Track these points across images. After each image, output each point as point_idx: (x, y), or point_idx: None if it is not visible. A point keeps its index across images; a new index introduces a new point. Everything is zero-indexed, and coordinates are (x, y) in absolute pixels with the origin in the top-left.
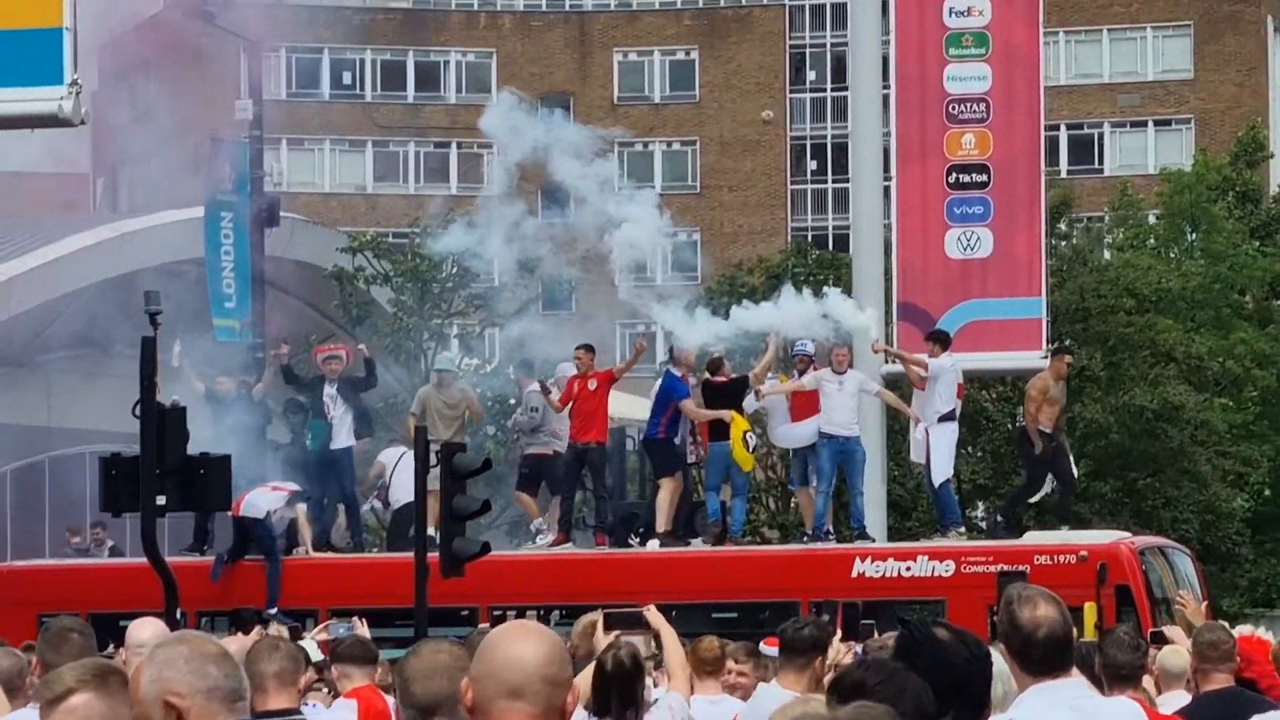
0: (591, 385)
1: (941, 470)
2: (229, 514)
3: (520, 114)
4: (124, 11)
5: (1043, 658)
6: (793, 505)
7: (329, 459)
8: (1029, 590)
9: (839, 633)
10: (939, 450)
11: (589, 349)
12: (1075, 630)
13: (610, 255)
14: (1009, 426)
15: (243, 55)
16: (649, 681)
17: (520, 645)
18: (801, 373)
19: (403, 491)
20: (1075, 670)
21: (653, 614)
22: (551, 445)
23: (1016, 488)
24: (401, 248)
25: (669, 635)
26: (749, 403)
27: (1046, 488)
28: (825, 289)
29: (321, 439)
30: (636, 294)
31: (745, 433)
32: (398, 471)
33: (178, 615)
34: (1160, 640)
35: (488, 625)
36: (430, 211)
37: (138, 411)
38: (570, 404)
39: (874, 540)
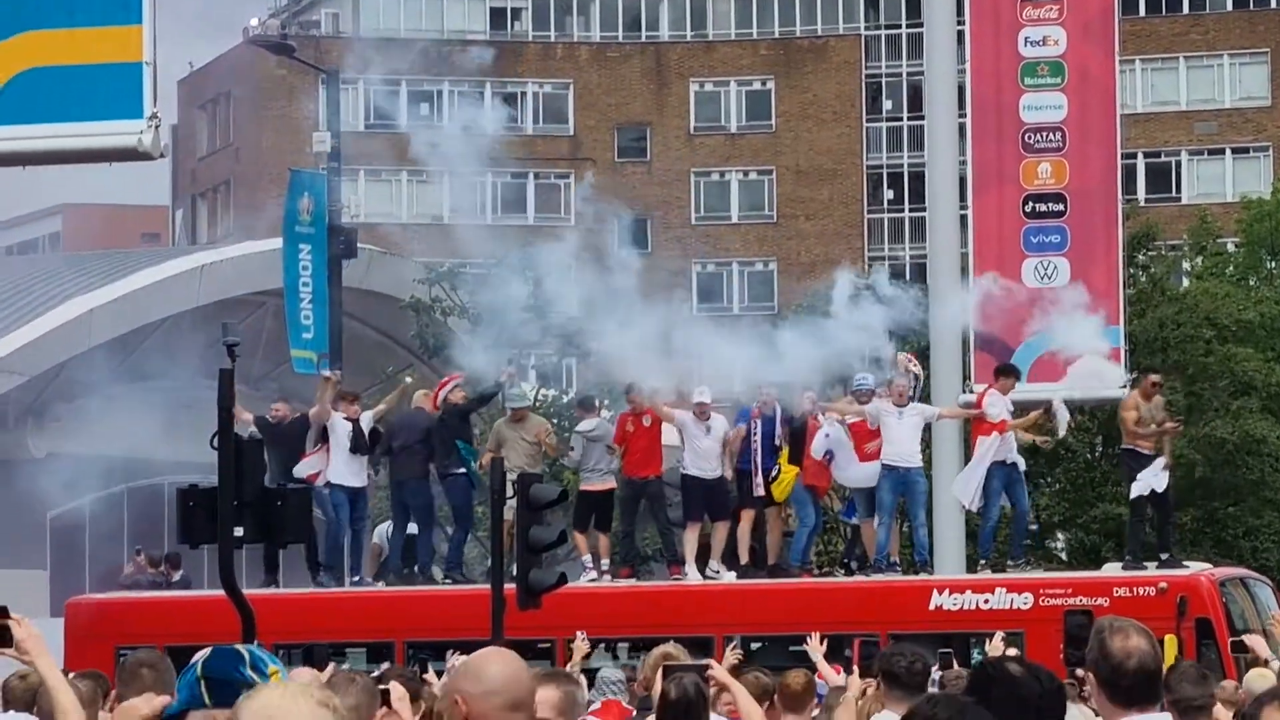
0: (646, 421)
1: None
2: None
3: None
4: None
5: (1131, 688)
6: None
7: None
8: (1121, 621)
9: (856, 669)
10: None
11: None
12: None
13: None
14: (1088, 456)
15: (321, 87)
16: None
17: (515, 664)
18: (863, 405)
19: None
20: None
21: (719, 671)
22: (598, 481)
23: (1133, 525)
24: (480, 279)
25: (739, 691)
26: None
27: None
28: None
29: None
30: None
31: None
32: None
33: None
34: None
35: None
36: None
37: (215, 443)
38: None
39: (932, 571)
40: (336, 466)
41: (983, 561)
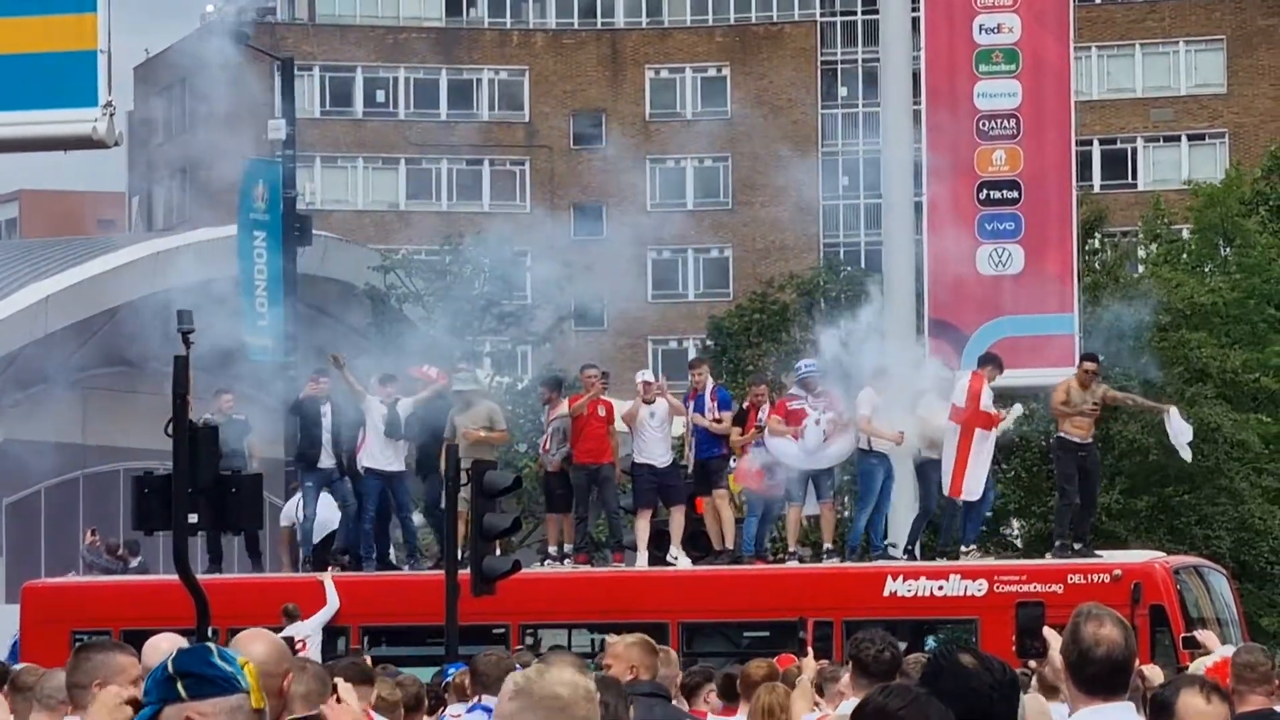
0: (601, 411)
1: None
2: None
3: None
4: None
5: (1096, 676)
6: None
7: None
8: (1100, 610)
9: (810, 651)
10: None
11: (603, 373)
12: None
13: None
14: (1043, 444)
15: (276, 74)
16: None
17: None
18: (811, 392)
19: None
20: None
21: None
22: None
23: (1060, 510)
24: (434, 265)
25: None
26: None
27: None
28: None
29: None
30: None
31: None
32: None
33: (209, 632)
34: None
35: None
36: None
37: (170, 430)
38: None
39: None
40: (371, 450)
41: (967, 548)
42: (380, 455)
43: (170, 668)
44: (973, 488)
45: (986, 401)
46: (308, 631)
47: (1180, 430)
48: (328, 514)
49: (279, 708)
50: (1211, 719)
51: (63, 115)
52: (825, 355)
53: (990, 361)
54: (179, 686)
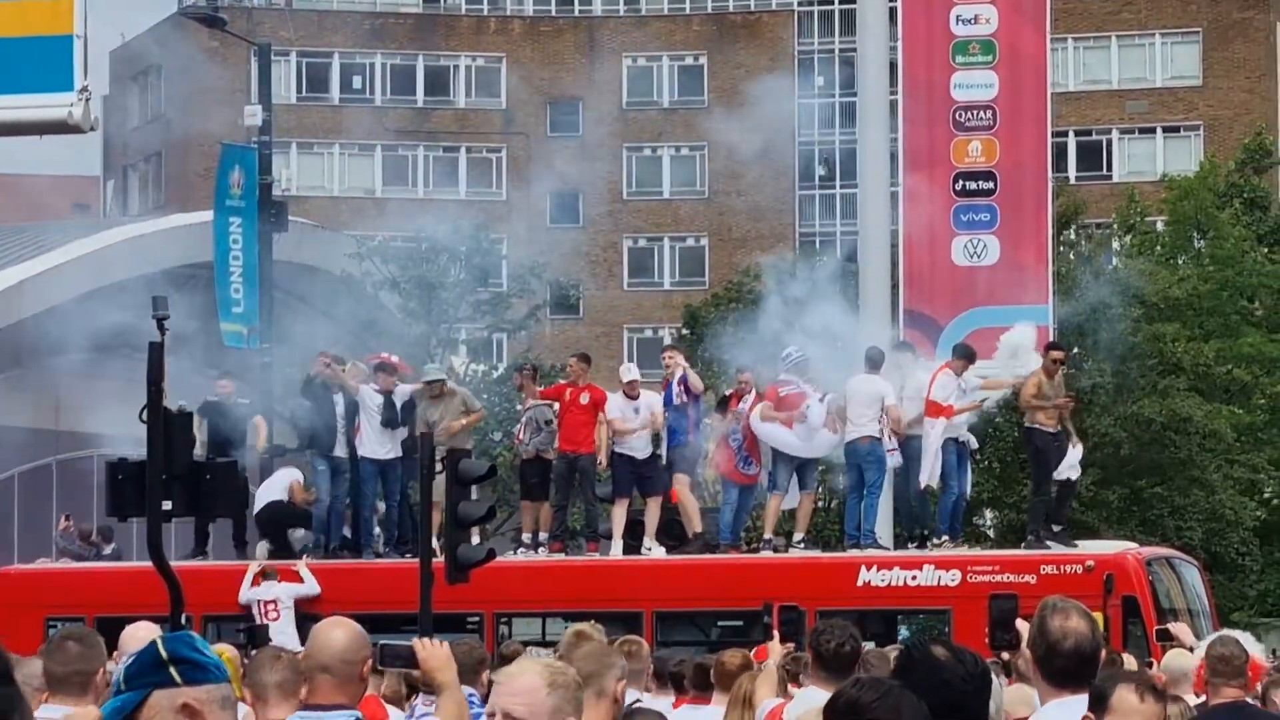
0: (584, 399)
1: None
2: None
3: None
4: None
5: (1064, 669)
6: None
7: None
8: (1065, 602)
9: (777, 635)
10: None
11: (584, 359)
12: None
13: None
14: (1015, 435)
15: (252, 59)
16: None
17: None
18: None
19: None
20: None
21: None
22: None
23: (1034, 504)
24: (410, 252)
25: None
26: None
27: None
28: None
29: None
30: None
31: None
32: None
33: (183, 619)
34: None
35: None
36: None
37: (144, 416)
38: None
39: (888, 549)
40: (367, 439)
41: (938, 539)
42: (377, 444)
43: (163, 653)
44: (922, 475)
45: (942, 393)
46: (278, 594)
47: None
48: (267, 493)
49: (360, 692)
50: (1142, 717)
51: (38, 100)
52: (801, 342)
53: (959, 353)
54: (172, 671)
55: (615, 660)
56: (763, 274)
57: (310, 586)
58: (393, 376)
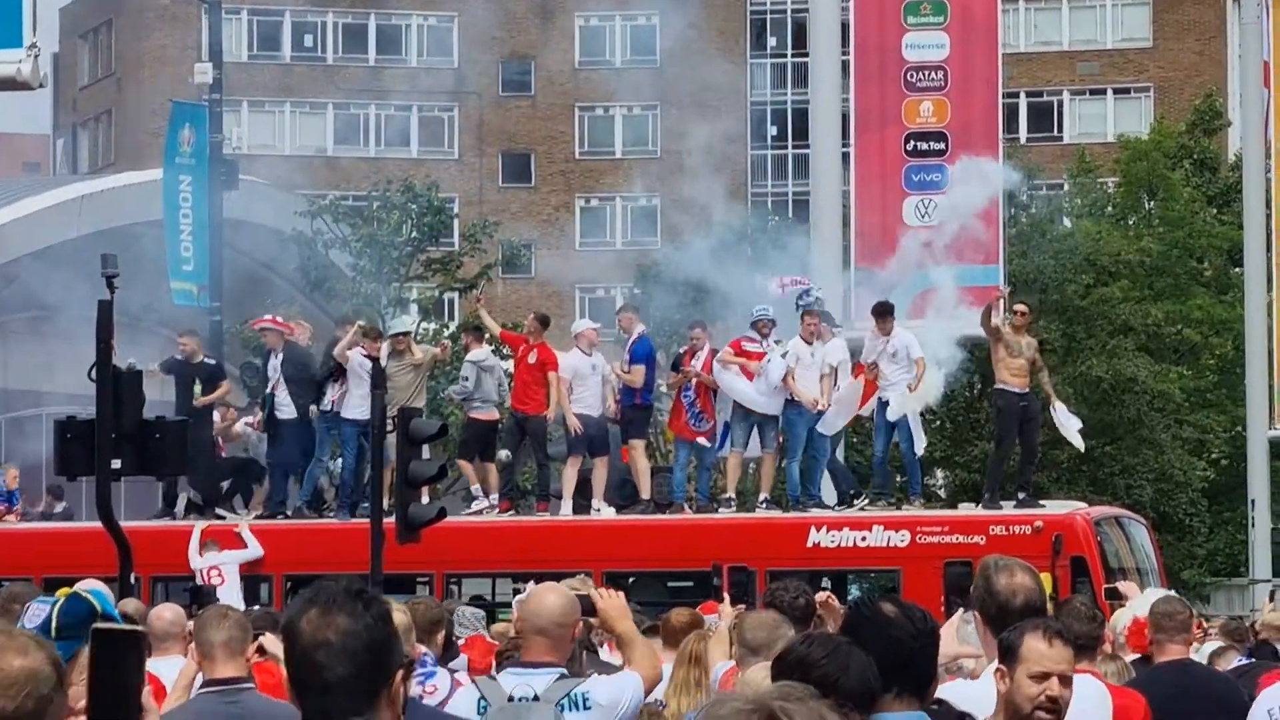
0: (532, 358)
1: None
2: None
3: None
4: None
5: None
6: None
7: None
8: (1005, 560)
9: (727, 597)
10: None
11: (543, 320)
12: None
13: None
14: (967, 395)
15: (203, 17)
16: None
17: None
18: (764, 336)
19: None
20: None
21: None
22: (490, 411)
23: (993, 463)
24: (361, 211)
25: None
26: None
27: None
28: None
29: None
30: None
31: None
32: None
33: (132, 580)
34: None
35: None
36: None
37: (94, 375)
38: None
39: (832, 509)
40: (354, 401)
41: (865, 500)
42: (363, 406)
43: (99, 610)
44: (828, 425)
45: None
46: (224, 560)
47: (1067, 421)
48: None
49: (569, 652)
50: (1052, 660)
51: None
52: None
53: (880, 312)
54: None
55: (786, 631)
56: (714, 232)
57: (253, 550)
58: (378, 343)
